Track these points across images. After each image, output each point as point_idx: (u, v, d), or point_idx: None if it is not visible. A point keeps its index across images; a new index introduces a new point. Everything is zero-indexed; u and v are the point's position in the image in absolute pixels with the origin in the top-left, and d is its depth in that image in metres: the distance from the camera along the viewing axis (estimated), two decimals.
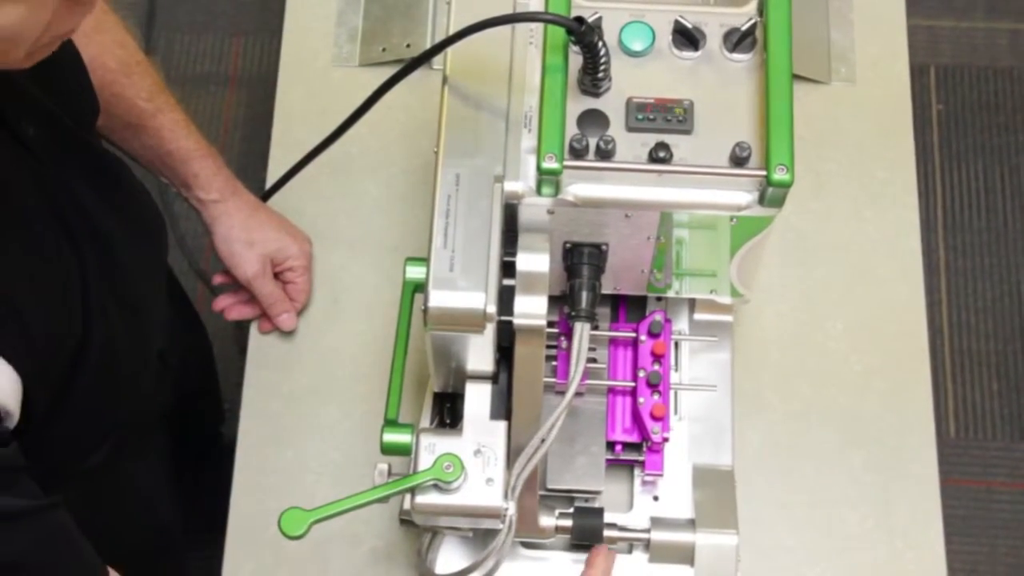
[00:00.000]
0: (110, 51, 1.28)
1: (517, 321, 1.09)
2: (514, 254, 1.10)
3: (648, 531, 1.25)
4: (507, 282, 1.09)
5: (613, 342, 1.32)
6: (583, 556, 1.28)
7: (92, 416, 1.14)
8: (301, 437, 1.40)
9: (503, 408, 1.14)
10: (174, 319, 1.48)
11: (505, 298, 1.08)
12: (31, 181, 1.01)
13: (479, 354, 1.11)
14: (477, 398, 1.14)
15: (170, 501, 1.52)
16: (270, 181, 1.47)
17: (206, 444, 1.97)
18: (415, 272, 1.15)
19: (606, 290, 1.21)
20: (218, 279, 1.45)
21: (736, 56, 1.11)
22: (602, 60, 1.08)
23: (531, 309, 1.09)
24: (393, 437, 1.14)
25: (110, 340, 1.11)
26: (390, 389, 1.17)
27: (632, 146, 1.08)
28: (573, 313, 1.14)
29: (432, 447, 1.09)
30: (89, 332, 1.07)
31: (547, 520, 1.23)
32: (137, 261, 1.20)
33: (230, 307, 1.44)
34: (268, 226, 1.40)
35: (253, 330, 1.45)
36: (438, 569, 1.25)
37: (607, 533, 1.24)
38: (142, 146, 1.34)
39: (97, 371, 1.10)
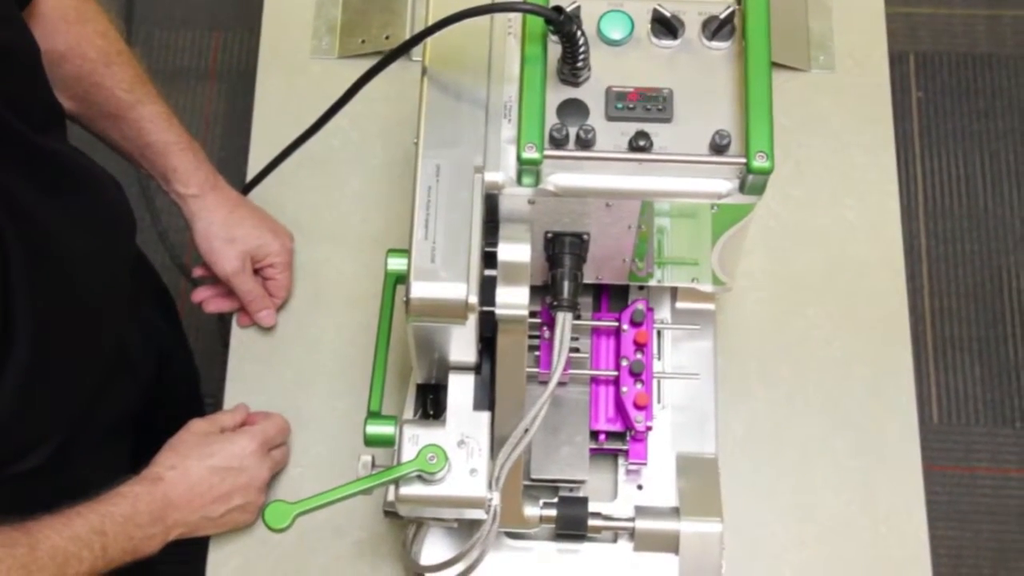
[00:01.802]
0: (90, 40, 1.27)
1: (499, 312, 1.09)
2: (495, 244, 1.10)
3: (633, 520, 1.25)
4: (489, 272, 1.09)
5: (595, 331, 1.32)
6: (568, 546, 1.28)
7: (21, 417, 1.12)
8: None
9: (486, 399, 1.14)
10: (150, 321, 1.48)
11: (487, 288, 1.09)
12: None
13: (461, 345, 1.11)
14: (460, 389, 1.14)
15: None
16: (250, 175, 1.46)
17: None
18: (397, 264, 1.15)
19: (588, 280, 1.21)
20: (198, 272, 1.44)
21: (715, 44, 1.11)
22: (581, 50, 1.08)
23: (513, 299, 1.09)
24: (376, 429, 1.14)
25: (41, 338, 1.09)
26: (373, 381, 1.17)
27: (612, 135, 1.08)
28: (555, 303, 1.14)
29: (415, 438, 1.09)
30: (11, 328, 1.06)
31: (531, 510, 1.24)
32: (88, 259, 1.19)
33: (209, 299, 1.44)
34: (248, 223, 1.39)
35: (235, 325, 1.45)
36: (423, 560, 1.25)
37: (591, 522, 1.24)
38: (122, 137, 1.33)
39: (26, 370, 1.08)
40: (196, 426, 1.29)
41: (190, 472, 1.24)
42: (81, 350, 1.20)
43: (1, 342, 1.05)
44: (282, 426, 1.35)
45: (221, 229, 1.37)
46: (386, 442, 1.13)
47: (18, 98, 1.10)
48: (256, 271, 1.41)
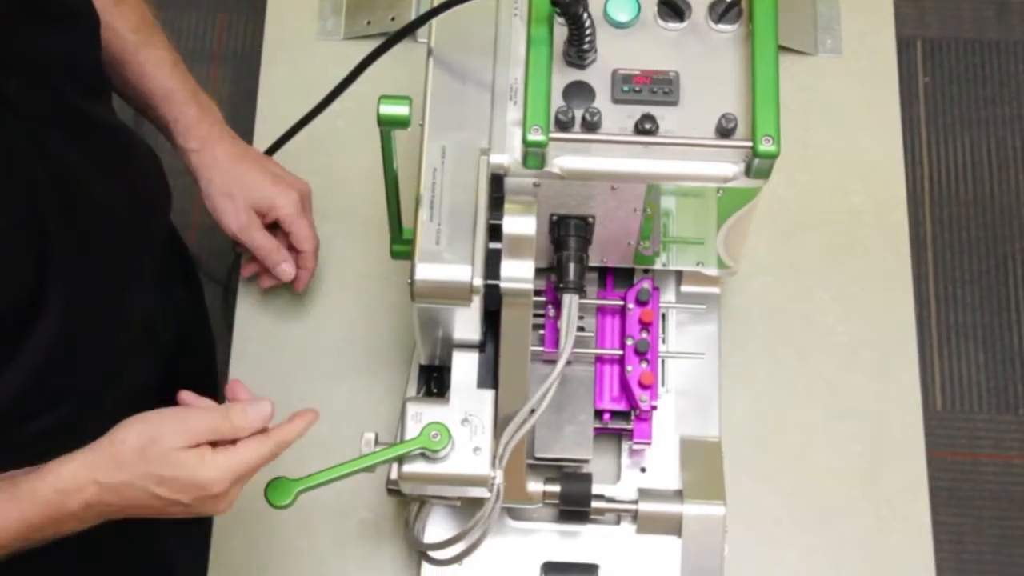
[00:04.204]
0: None
1: (504, 285, 1.09)
2: (501, 217, 1.10)
3: (636, 503, 1.25)
4: (494, 245, 1.09)
5: (601, 310, 1.31)
6: (571, 528, 1.28)
7: (40, 376, 1.09)
8: (288, 413, 1.39)
9: (490, 377, 1.14)
10: (173, 293, 1.47)
11: (492, 262, 1.08)
12: None
13: (466, 324, 1.11)
14: (464, 366, 1.14)
15: None
16: None
17: None
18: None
19: (593, 263, 1.21)
20: (237, 247, 1.42)
21: (722, 27, 1.11)
22: (587, 32, 1.08)
23: (518, 273, 1.09)
24: (390, 109, 1.06)
25: (72, 298, 1.08)
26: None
27: (618, 118, 1.08)
28: (561, 285, 1.14)
29: (419, 416, 1.10)
30: (45, 286, 1.04)
31: (535, 485, 1.23)
32: (128, 227, 1.19)
33: (261, 275, 1.42)
34: (250, 176, 1.35)
35: (240, 306, 1.44)
36: (426, 539, 1.25)
37: (595, 504, 1.24)
38: (125, 83, 1.30)
39: (55, 332, 1.07)
40: (167, 440, 1.01)
41: (125, 493, 1.02)
42: (109, 317, 1.19)
43: (34, 301, 1.04)
44: (273, 450, 1.09)
45: (222, 185, 1.34)
46: (401, 123, 1.06)
47: (77, 62, 1.09)
48: (275, 225, 1.38)
